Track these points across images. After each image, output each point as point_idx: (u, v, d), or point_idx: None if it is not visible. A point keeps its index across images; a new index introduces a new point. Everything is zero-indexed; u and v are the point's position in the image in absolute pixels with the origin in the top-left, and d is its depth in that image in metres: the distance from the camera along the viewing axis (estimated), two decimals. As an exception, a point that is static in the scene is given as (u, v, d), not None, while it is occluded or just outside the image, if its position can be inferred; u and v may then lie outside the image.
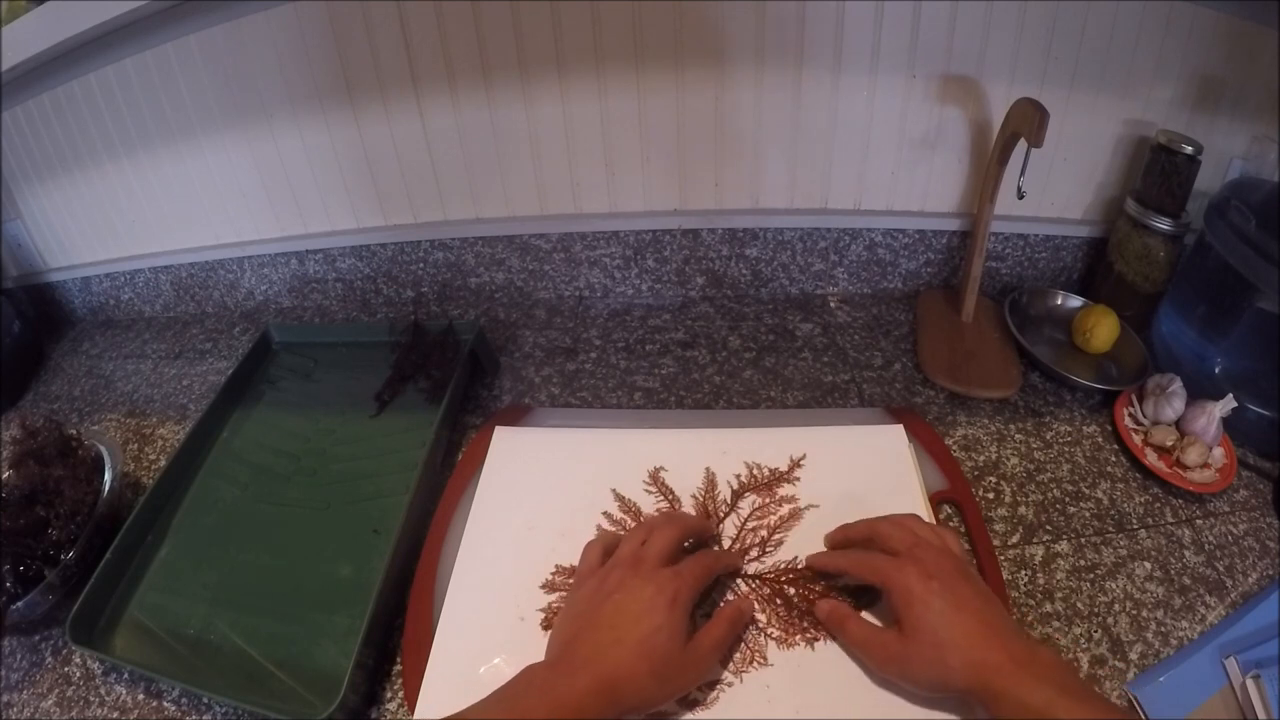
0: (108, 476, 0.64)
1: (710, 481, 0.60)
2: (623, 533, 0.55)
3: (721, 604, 0.51)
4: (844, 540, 0.53)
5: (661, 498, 0.59)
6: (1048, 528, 0.59)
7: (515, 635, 0.50)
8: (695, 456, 0.62)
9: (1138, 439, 0.65)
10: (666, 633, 0.43)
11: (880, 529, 0.50)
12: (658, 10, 0.70)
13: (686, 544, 0.53)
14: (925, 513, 0.56)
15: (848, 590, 0.51)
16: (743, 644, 0.49)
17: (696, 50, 0.72)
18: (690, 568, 0.48)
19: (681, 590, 0.45)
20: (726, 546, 0.55)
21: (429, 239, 0.86)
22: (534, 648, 0.48)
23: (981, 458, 0.65)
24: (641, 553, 0.48)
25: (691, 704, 0.46)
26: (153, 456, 0.74)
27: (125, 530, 0.59)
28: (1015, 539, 0.58)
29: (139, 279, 0.95)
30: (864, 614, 0.50)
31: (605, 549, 0.51)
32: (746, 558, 0.54)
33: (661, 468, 0.62)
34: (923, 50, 0.71)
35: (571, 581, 0.53)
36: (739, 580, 0.53)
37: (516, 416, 0.70)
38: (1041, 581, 0.55)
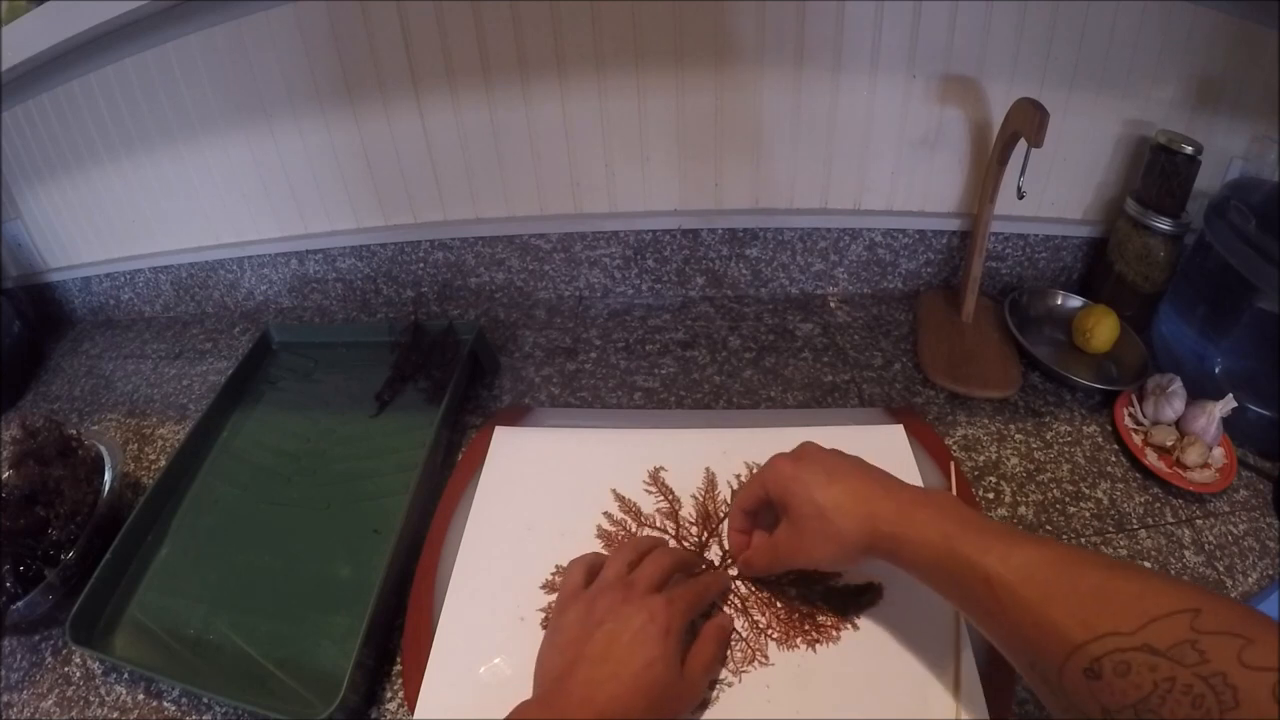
0: (108, 476, 0.64)
1: (710, 481, 0.60)
2: (606, 552, 0.54)
3: (707, 622, 0.49)
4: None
5: (661, 498, 0.59)
6: (1048, 528, 0.59)
7: (515, 635, 0.50)
8: (695, 456, 0.62)
9: (1138, 439, 0.65)
10: (662, 665, 0.42)
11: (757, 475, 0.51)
12: (657, 10, 0.70)
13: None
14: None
15: (848, 590, 0.51)
16: (743, 643, 0.49)
17: (696, 50, 0.72)
18: (683, 595, 0.46)
19: (675, 620, 0.44)
20: (728, 548, 0.55)
21: (429, 239, 0.86)
22: (534, 648, 0.48)
23: (981, 458, 0.65)
24: (631, 578, 0.47)
25: (691, 704, 0.46)
26: (153, 456, 0.74)
27: (125, 530, 0.59)
28: (1015, 539, 0.58)
29: (139, 279, 0.95)
30: (863, 616, 0.50)
31: (589, 568, 0.49)
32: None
33: (661, 468, 0.62)
34: (923, 50, 0.71)
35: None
36: (738, 582, 0.53)
37: (516, 416, 0.70)
38: (1041, 581, 0.55)
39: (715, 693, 0.46)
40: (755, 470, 0.60)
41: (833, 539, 0.43)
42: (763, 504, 0.50)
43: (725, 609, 0.51)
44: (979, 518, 0.39)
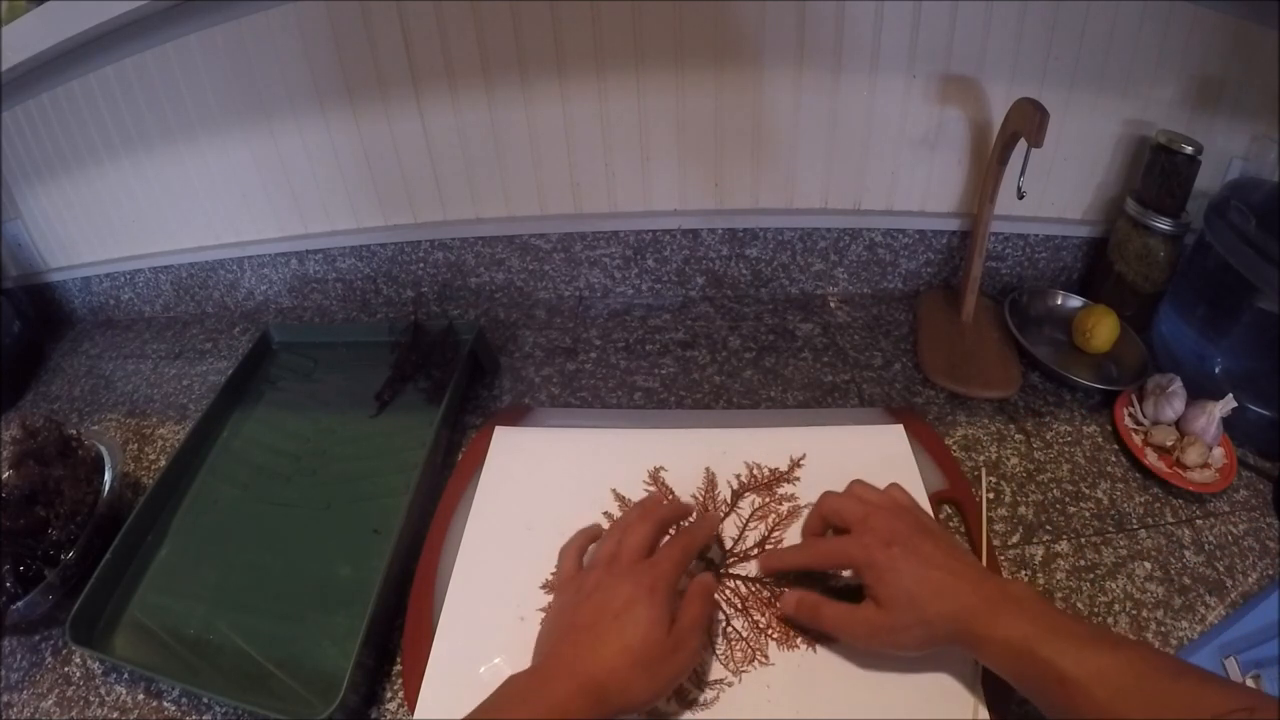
0: (108, 476, 0.64)
1: (710, 481, 0.60)
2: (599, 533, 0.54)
3: (690, 580, 0.48)
4: (807, 534, 0.54)
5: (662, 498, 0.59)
6: (1048, 528, 0.59)
7: (515, 635, 0.50)
8: (695, 456, 0.62)
9: (1138, 439, 0.65)
10: (647, 623, 0.42)
11: (829, 507, 0.51)
12: (657, 10, 0.70)
13: (669, 532, 0.52)
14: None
15: (848, 590, 0.51)
16: (743, 643, 0.49)
17: (696, 50, 0.72)
18: (668, 554, 0.47)
19: (659, 579, 0.44)
20: (728, 547, 0.55)
21: (429, 239, 0.86)
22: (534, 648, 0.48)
23: (981, 458, 0.65)
24: (616, 552, 0.48)
25: (691, 704, 0.46)
26: (153, 456, 0.74)
27: (125, 530, 0.59)
28: (1015, 539, 0.58)
29: (139, 279, 0.95)
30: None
31: (579, 552, 0.51)
32: (746, 557, 0.55)
33: (661, 468, 0.62)
34: (923, 50, 0.71)
35: None
36: (738, 582, 0.53)
37: (516, 416, 0.70)
38: (1041, 581, 0.55)
39: (715, 693, 0.47)
40: (806, 506, 0.58)
41: (921, 629, 0.43)
42: (839, 567, 0.51)
43: (725, 607, 0.51)
44: (1056, 617, 0.40)
